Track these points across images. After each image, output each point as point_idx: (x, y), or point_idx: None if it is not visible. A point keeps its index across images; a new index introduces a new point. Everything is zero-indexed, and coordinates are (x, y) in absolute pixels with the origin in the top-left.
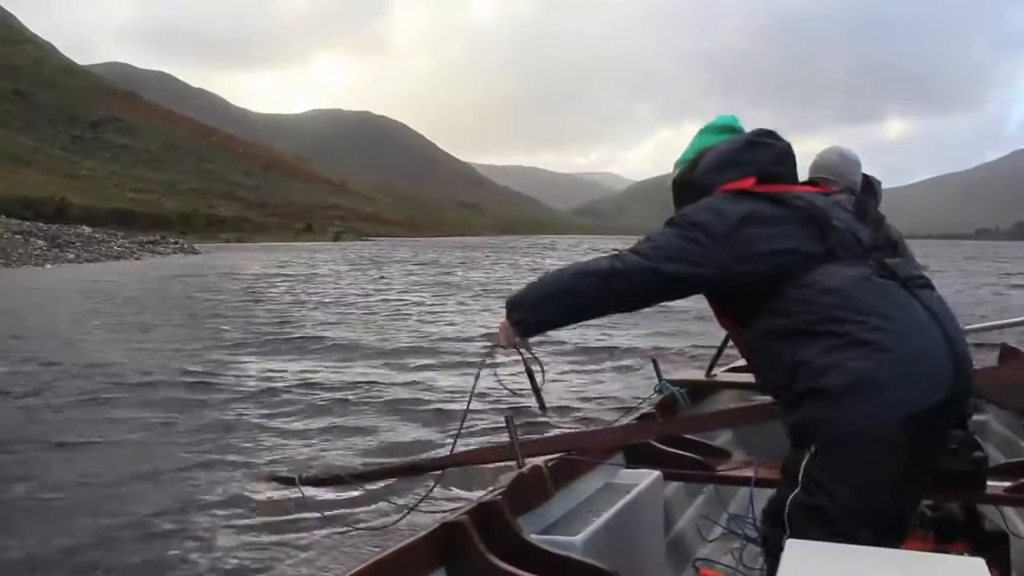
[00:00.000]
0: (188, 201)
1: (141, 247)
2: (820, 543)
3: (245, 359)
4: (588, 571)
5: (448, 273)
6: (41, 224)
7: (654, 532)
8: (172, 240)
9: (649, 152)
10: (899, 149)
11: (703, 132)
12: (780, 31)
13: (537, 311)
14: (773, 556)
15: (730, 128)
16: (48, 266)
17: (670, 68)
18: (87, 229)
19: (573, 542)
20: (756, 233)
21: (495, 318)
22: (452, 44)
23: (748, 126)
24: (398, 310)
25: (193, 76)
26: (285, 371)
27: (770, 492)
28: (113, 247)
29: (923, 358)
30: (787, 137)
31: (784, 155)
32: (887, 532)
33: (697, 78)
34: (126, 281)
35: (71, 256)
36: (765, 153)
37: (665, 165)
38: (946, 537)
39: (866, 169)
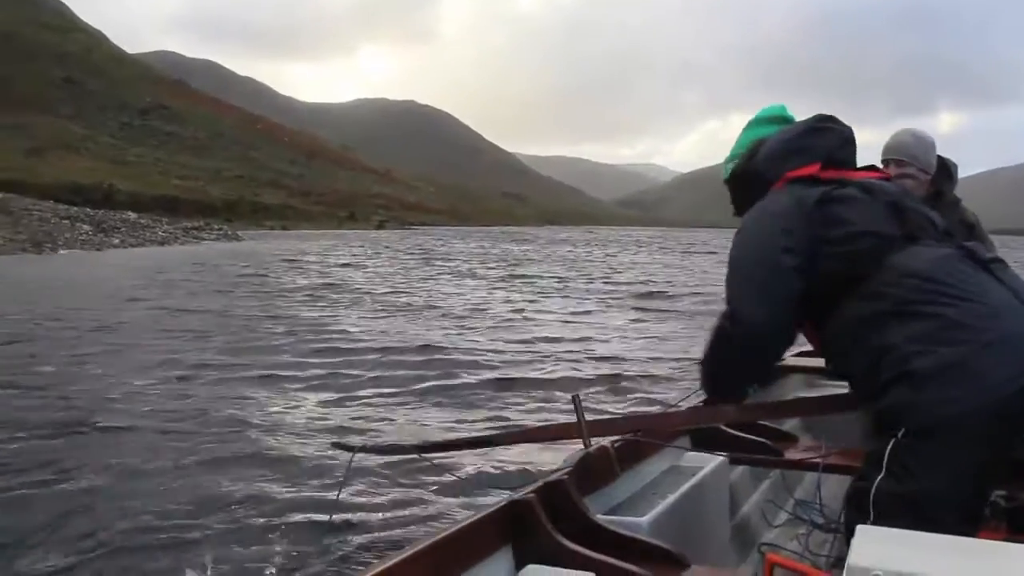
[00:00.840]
0: (233, 188)
1: (185, 232)
2: (890, 529)
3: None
4: (654, 552)
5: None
6: (88, 209)
7: (719, 516)
8: (216, 227)
9: (694, 144)
10: (950, 143)
11: (752, 124)
12: (822, 24)
13: (713, 390)
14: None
15: (781, 118)
16: (93, 251)
17: (712, 60)
18: (132, 215)
19: (639, 523)
20: (834, 217)
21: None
22: (498, 34)
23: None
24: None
25: (240, 65)
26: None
27: (837, 478)
28: (158, 232)
29: (1012, 338)
30: None
31: (847, 140)
32: (968, 520)
33: (740, 71)
34: (175, 264)
35: (116, 241)
36: (829, 138)
37: (710, 157)
38: (1019, 527)
39: None
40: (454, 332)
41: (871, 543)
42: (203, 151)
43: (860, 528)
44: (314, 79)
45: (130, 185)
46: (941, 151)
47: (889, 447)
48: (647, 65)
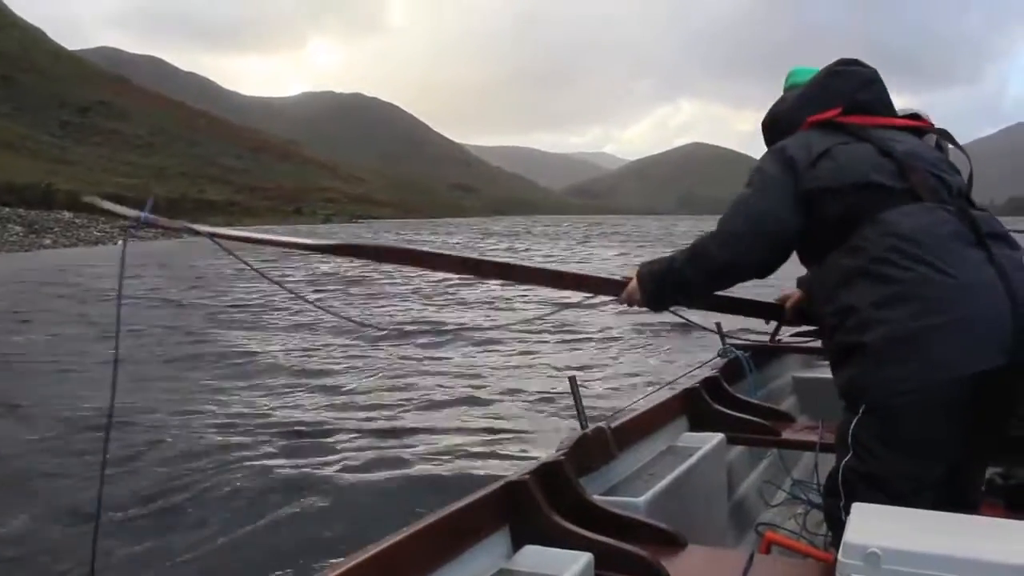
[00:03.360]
0: (177, 185)
1: (122, 232)
2: (887, 507)
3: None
4: (651, 532)
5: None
6: (21, 210)
7: (717, 496)
8: None
9: (645, 130)
10: None
11: (790, 76)
12: (778, 9)
13: (654, 294)
14: (833, 524)
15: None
16: (20, 252)
17: (666, 45)
18: (67, 214)
19: (636, 503)
20: (838, 165)
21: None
22: (446, 24)
23: (747, 102)
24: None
25: (184, 60)
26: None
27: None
28: (93, 232)
29: (976, 320)
30: None
31: (869, 80)
32: (952, 499)
33: (694, 55)
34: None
35: (48, 242)
36: (849, 80)
37: (661, 143)
38: (1018, 505)
39: None
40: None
41: (868, 520)
42: (147, 148)
43: (856, 505)
44: (260, 73)
45: (71, 184)
46: None
47: (852, 425)
48: (597, 52)
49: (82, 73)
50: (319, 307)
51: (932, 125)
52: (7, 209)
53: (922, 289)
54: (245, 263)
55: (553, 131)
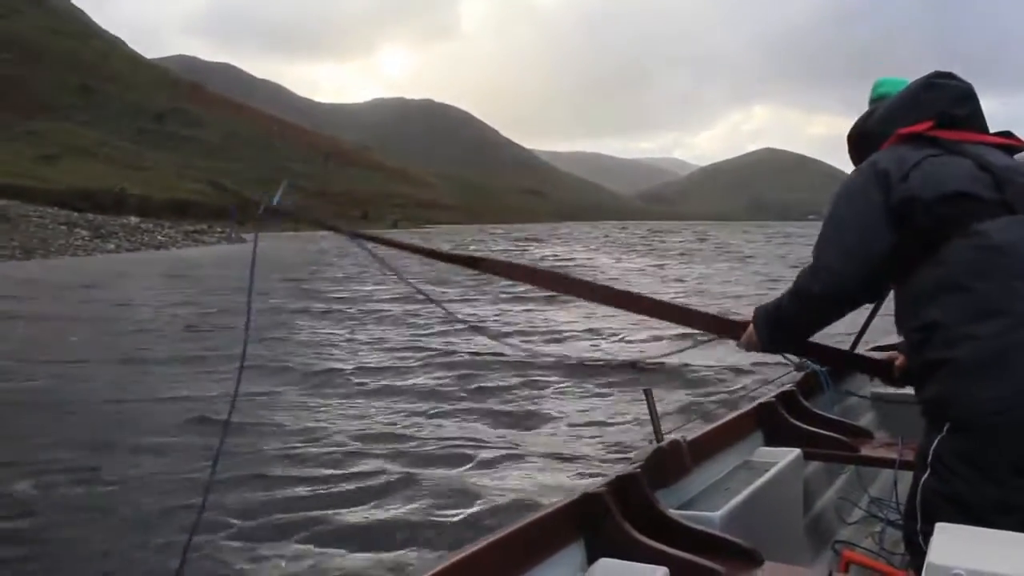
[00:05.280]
0: (247, 190)
1: (186, 236)
2: (972, 528)
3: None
4: (727, 547)
5: None
6: (89, 215)
7: (793, 512)
8: (219, 229)
9: (715, 136)
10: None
11: (877, 87)
12: (852, 12)
13: (768, 339)
14: (911, 544)
15: (905, 83)
16: (83, 256)
17: (734, 51)
18: (134, 219)
19: (712, 518)
20: (931, 177)
21: None
22: (517, 31)
23: (819, 107)
24: None
25: (258, 67)
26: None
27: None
28: (157, 236)
29: None
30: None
31: (964, 95)
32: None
33: (762, 61)
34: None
35: (111, 246)
36: (944, 93)
37: (732, 149)
38: None
39: None
40: None
41: (952, 541)
42: (219, 154)
43: (940, 525)
44: (332, 80)
45: (143, 190)
46: None
47: (934, 444)
48: (667, 58)
49: (159, 80)
50: (451, 313)
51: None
52: (76, 214)
53: (1014, 304)
54: (389, 268)
55: (623, 137)
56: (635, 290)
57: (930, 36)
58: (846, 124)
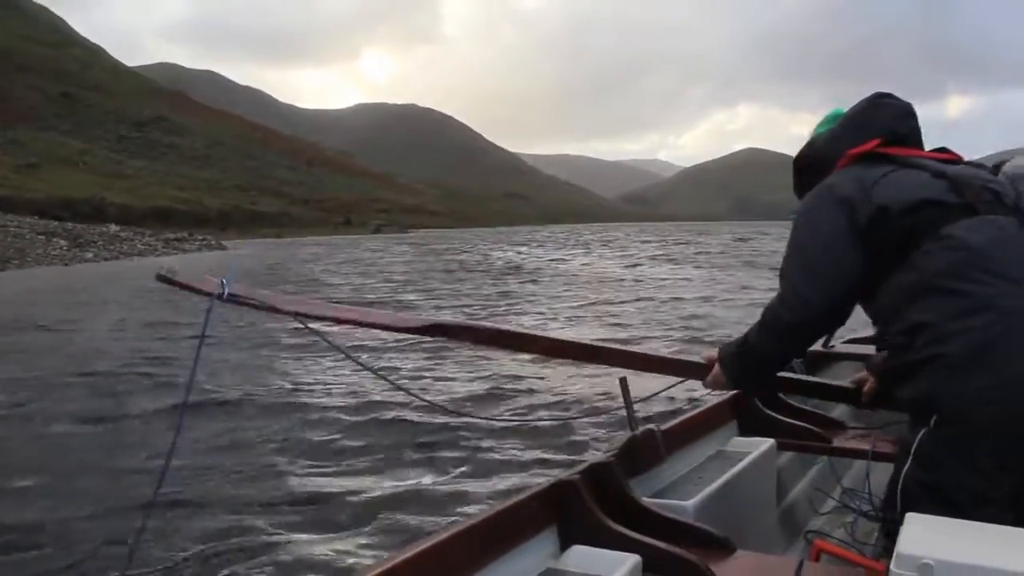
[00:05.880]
0: (230, 198)
1: (166, 244)
2: (943, 518)
3: None
4: (699, 535)
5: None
6: (68, 224)
7: (766, 501)
8: (199, 237)
9: (699, 136)
10: (961, 126)
11: (819, 125)
12: (837, 11)
13: (738, 379)
14: (888, 534)
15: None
16: (59, 266)
17: (719, 51)
18: (113, 228)
19: (684, 506)
20: (893, 190)
21: None
22: (499, 33)
23: (801, 105)
24: None
25: (241, 74)
26: None
27: (886, 467)
28: (136, 245)
29: None
30: None
31: (907, 113)
32: (1015, 515)
33: (748, 61)
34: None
35: (89, 255)
36: (888, 112)
37: (717, 149)
38: None
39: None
40: None
41: (922, 531)
42: (202, 162)
43: (910, 516)
44: (315, 85)
45: (124, 198)
46: (957, 134)
47: (919, 435)
48: (651, 59)
49: (141, 89)
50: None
51: (962, 159)
52: (54, 223)
53: (997, 300)
54: (336, 346)
55: (607, 139)
56: (596, 343)
57: (914, 35)
58: None
